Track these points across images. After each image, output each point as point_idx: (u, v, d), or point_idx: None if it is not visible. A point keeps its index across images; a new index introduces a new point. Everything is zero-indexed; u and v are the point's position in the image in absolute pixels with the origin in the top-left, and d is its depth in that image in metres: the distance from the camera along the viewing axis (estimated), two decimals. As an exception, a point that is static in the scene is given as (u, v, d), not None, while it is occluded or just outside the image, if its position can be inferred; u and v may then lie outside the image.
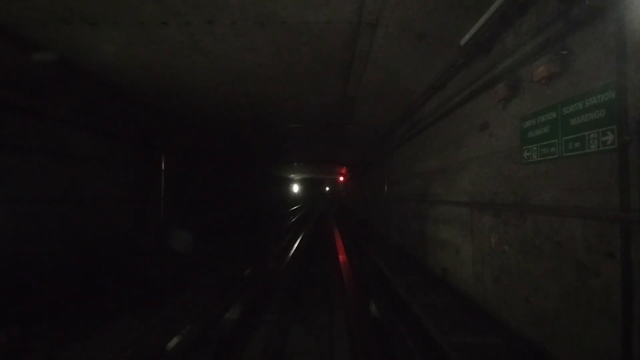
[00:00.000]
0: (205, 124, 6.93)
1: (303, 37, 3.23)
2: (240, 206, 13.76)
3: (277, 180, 23.53)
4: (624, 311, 1.69)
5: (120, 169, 6.44)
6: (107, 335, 3.95)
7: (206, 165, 10.24)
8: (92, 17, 2.86)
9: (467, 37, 3.00)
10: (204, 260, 7.70)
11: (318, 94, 5.01)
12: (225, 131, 7.78)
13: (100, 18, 2.88)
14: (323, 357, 3.71)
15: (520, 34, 2.51)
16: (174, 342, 3.93)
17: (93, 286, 5.25)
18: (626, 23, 1.70)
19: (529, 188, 2.47)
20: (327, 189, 42.25)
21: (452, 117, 3.89)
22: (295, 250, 9.81)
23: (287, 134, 8.12)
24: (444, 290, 3.94)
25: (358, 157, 12.39)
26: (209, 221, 10.16)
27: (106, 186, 6.04)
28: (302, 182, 34.72)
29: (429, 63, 3.75)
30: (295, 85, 4.63)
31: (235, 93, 4.90)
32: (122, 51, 3.50)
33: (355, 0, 2.66)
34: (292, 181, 30.64)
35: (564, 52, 2.07)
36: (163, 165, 7.49)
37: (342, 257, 8.09)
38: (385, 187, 8.32)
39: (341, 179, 25.90)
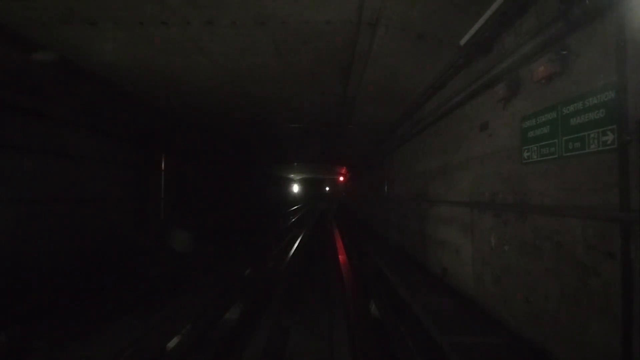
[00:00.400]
0: (205, 124, 6.92)
1: (303, 37, 3.23)
2: (240, 206, 13.76)
3: (277, 180, 23.53)
4: (624, 311, 1.69)
5: (120, 169, 6.45)
6: (107, 335, 3.96)
7: (206, 165, 10.24)
8: (92, 17, 2.86)
9: (467, 37, 2.99)
10: (204, 260, 7.69)
11: (318, 94, 5.01)
12: (225, 131, 7.77)
13: (100, 18, 2.88)
14: (323, 357, 3.71)
15: (520, 34, 2.51)
16: (174, 342, 3.93)
17: (93, 286, 5.25)
18: (626, 23, 1.70)
19: (529, 188, 2.47)
20: (327, 189, 42.27)
21: (452, 117, 3.89)
22: (295, 250, 9.81)
23: (287, 134, 8.11)
24: (444, 290, 3.94)
25: (358, 157, 12.39)
26: (209, 221, 10.16)
27: (106, 186, 6.05)
28: (302, 182, 34.70)
29: (429, 63, 3.75)
30: (295, 85, 4.62)
31: (235, 93, 4.90)
32: (122, 51, 3.50)
33: (355, 0, 2.65)
34: (292, 181, 30.62)
35: (564, 52, 2.07)
36: (163, 165, 7.48)
37: (342, 257, 8.09)
38: (385, 187, 8.32)
39: (341, 179, 25.90)
